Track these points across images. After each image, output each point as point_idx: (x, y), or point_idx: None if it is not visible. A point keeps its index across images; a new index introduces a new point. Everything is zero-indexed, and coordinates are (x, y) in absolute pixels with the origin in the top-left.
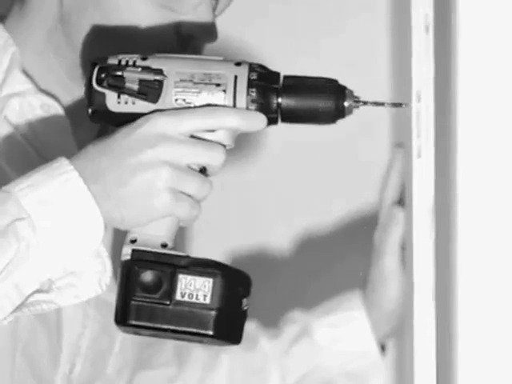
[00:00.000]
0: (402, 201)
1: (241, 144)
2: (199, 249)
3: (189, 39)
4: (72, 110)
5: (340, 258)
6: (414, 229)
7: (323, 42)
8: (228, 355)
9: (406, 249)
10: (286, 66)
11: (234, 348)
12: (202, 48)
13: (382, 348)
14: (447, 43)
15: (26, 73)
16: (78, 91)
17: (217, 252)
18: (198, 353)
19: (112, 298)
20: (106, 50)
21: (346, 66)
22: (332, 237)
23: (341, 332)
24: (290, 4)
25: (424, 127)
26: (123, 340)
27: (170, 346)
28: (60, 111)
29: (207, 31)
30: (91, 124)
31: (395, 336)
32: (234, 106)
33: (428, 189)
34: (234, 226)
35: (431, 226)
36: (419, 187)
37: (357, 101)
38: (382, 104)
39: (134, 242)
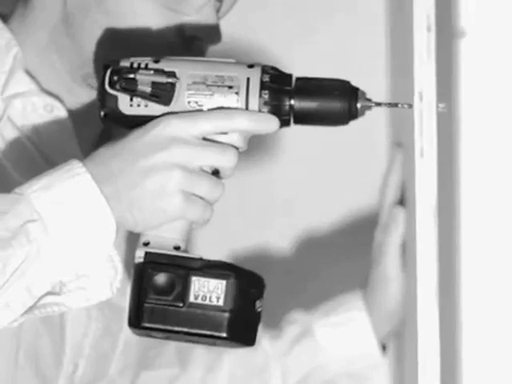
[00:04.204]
0: (403, 200)
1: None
2: (199, 249)
3: (192, 40)
4: (74, 111)
5: (340, 258)
6: (416, 228)
7: (324, 42)
8: (229, 356)
9: (406, 249)
10: (285, 67)
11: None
12: (205, 49)
13: (383, 348)
14: (449, 42)
15: (28, 73)
16: (80, 92)
17: (217, 252)
18: (200, 353)
19: (116, 300)
20: (109, 51)
21: (345, 66)
22: (332, 237)
23: (342, 332)
24: (291, 5)
25: (426, 126)
26: (126, 341)
27: (171, 346)
28: (63, 112)
29: (211, 33)
30: (93, 124)
31: (396, 336)
32: (247, 108)
33: (431, 188)
34: (234, 226)
35: (434, 225)
36: (422, 186)
37: (369, 102)
38: (394, 105)
39: (146, 244)
